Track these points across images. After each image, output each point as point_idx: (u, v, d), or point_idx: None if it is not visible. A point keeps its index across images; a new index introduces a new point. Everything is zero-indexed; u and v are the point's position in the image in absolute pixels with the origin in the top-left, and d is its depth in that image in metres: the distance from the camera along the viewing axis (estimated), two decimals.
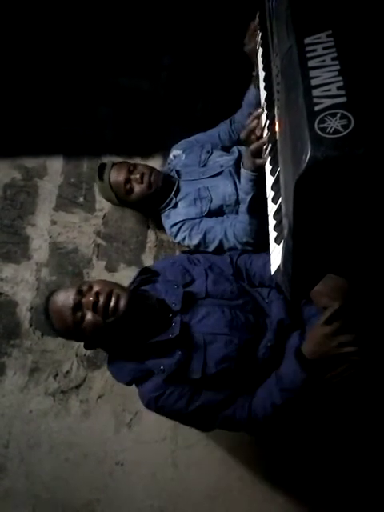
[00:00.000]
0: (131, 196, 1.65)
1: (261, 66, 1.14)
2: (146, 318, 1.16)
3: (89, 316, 1.10)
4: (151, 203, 1.69)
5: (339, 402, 1.43)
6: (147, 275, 1.33)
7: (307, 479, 1.66)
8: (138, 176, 1.63)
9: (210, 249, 1.55)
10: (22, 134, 2.08)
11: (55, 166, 2.06)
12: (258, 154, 1.09)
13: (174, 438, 1.75)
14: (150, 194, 1.64)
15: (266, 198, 0.94)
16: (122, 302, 1.10)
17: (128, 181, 1.63)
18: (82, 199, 2.02)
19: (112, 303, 1.09)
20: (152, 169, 1.68)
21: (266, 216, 1.50)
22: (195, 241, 1.56)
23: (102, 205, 2.00)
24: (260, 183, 1.22)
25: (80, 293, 1.12)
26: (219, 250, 1.52)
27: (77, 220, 1.99)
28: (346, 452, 1.63)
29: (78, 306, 1.11)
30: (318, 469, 1.65)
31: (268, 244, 0.96)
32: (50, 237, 1.97)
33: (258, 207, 1.33)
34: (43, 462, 1.74)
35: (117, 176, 1.64)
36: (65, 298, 1.13)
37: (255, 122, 1.08)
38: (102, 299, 1.10)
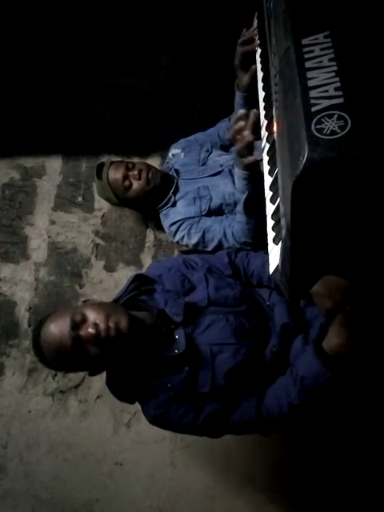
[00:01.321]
0: (129, 193, 1.65)
1: (259, 66, 1.14)
2: (148, 333, 1.08)
3: (92, 350, 1.01)
4: (149, 201, 1.68)
5: (339, 401, 1.43)
6: (141, 283, 1.23)
7: (306, 479, 1.66)
8: (136, 172, 1.63)
9: (209, 248, 1.55)
10: (21, 133, 2.08)
11: (54, 165, 2.06)
12: (244, 153, 1.11)
13: (173, 439, 1.75)
14: (148, 191, 1.64)
15: (264, 199, 0.94)
16: (123, 325, 1.01)
17: (126, 177, 1.64)
18: (80, 199, 2.02)
19: (112, 332, 1.00)
20: (150, 166, 1.69)
21: (265, 216, 1.49)
22: (194, 240, 1.56)
23: (101, 204, 2.00)
24: (256, 183, 1.23)
25: (75, 326, 1.01)
26: (218, 249, 1.52)
27: (75, 220, 1.99)
28: (346, 452, 1.63)
29: (78, 343, 1.01)
30: (316, 469, 1.65)
31: (265, 243, 0.96)
32: (49, 237, 1.97)
33: (254, 207, 1.33)
34: (42, 462, 1.75)
35: (115, 173, 1.65)
36: (60, 333, 1.01)
37: (239, 123, 1.08)
38: (102, 331, 1.00)
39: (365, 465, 1.61)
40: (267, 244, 0.90)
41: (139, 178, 1.63)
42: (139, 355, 1.08)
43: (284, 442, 1.67)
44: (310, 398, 1.05)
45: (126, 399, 1.15)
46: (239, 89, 1.42)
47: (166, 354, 1.07)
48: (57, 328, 1.02)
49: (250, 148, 1.10)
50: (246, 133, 1.08)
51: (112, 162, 1.70)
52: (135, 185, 1.64)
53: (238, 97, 1.46)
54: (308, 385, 1.03)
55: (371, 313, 0.99)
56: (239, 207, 1.39)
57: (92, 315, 1.02)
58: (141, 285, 1.22)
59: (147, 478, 1.73)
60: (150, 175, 1.63)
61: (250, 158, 1.12)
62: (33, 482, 1.73)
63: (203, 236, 1.55)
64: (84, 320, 1.02)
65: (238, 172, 1.27)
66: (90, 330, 0.99)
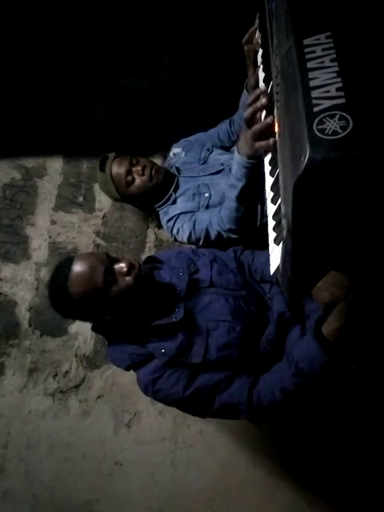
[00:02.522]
0: (131, 188, 1.64)
1: (260, 66, 1.14)
2: (151, 298, 1.17)
3: (122, 282, 1.12)
4: (150, 198, 1.68)
5: (339, 399, 1.44)
6: (153, 264, 1.34)
7: (307, 479, 1.66)
8: (139, 168, 1.63)
9: (201, 239, 1.53)
10: (22, 133, 2.08)
11: (55, 165, 2.06)
12: (261, 135, 0.93)
13: (173, 439, 1.75)
14: (150, 187, 1.63)
15: (264, 195, 0.93)
16: (145, 271, 1.17)
17: (130, 172, 1.63)
18: (81, 199, 2.02)
19: (142, 272, 1.14)
20: (154, 163, 1.69)
21: (258, 210, 1.48)
22: (187, 233, 1.55)
23: (102, 204, 2.00)
24: (256, 173, 1.15)
25: (111, 261, 1.14)
26: (207, 239, 1.51)
27: (76, 220, 1.99)
28: (346, 452, 1.63)
29: (108, 271, 1.11)
30: (317, 468, 1.65)
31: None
32: (50, 237, 1.97)
33: (248, 197, 1.30)
34: (42, 462, 1.75)
35: (118, 167, 1.64)
36: (94, 262, 1.11)
37: (261, 101, 0.93)
38: (135, 266, 1.13)
39: (366, 464, 1.61)
40: (267, 242, 0.90)
41: (143, 174, 1.62)
42: (139, 315, 1.16)
43: (285, 442, 1.67)
44: (303, 383, 1.07)
45: (122, 365, 1.19)
46: (247, 90, 1.42)
47: (165, 321, 1.15)
48: (91, 258, 1.12)
49: (265, 132, 0.92)
50: (265, 114, 0.93)
51: (116, 156, 1.68)
52: (138, 180, 1.63)
53: (245, 97, 1.46)
54: (303, 368, 1.05)
55: (369, 305, 1.00)
56: (231, 194, 1.32)
57: (125, 256, 1.19)
58: (151, 264, 1.33)
59: (147, 477, 1.73)
60: (153, 172, 1.63)
61: (263, 143, 0.93)
62: (33, 482, 1.73)
63: (194, 228, 1.54)
64: (120, 259, 1.16)
65: (241, 159, 1.15)
66: (123, 264, 1.13)
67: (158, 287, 1.20)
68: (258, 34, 1.23)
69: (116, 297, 1.12)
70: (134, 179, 1.63)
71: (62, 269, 1.13)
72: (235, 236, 1.45)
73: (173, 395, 1.13)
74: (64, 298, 1.11)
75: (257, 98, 0.94)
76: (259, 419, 1.17)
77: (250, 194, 1.29)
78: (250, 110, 0.95)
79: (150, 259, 1.37)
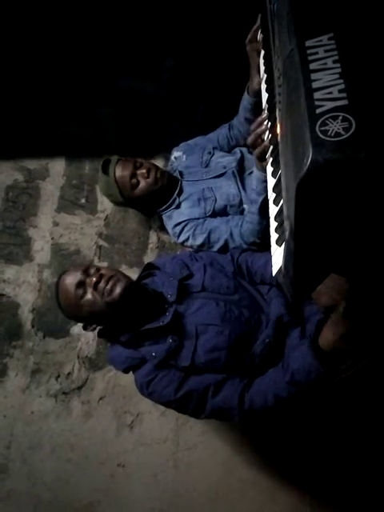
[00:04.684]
0: (136, 191, 1.62)
1: (262, 68, 1.14)
2: (141, 306, 1.22)
3: (89, 295, 1.19)
4: (154, 202, 1.67)
5: (340, 401, 1.43)
6: (149, 270, 1.40)
7: (308, 481, 1.66)
8: (144, 171, 1.61)
9: (215, 249, 1.54)
10: (24, 135, 2.08)
11: (57, 167, 2.06)
12: (262, 156, 1.10)
13: (176, 440, 1.75)
14: (155, 191, 1.62)
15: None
16: (119, 287, 1.18)
17: (134, 175, 1.61)
18: (83, 201, 2.03)
19: (109, 286, 1.18)
20: (158, 166, 1.67)
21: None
22: (199, 240, 1.55)
23: (104, 206, 2.01)
24: None
25: (86, 273, 1.21)
26: (224, 249, 1.51)
27: (79, 221, 2.00)
28: (348, 453, 1.63)
29: (80, 284, 1.20)
30: (319, 470, 1.65)
31: (269, 243, 0.96)
32: (52, 238, 1.97)
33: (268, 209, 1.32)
34: (45, 463, 1.75)
35: (123, 170, 1.62)
36: (72, 276, 1.21)
37: (262, 127, 1.07)
38: (103, 280, 1.19)
39: (368, 466, 1.61)
40: (270, 244, 0.90)
41: (148, 177, 1.60)
42: (129, 322, 1.22)
43: (287, 444, 1.67)
44: (297, 391, 1.07)
45: (120, 367, 1.24)
46: (249, 93, 1.42)
47: (153, 325, 1.20)
48: (74, 272, 1.23)
49: (266, 153, 1.08)
50: (266, 137, 1.07)
51: (119, 159, 1.67)
52: (143, 183, 1.61)
53: (246, 101, 1.46)
54: (299, 379, 1.07)
55: (366, 311, 1.00)
56: (253, 208, 1.38)
57: (103, 270, 1.24)
58: (148, 271, 1.40)
59: (150, 479, 1.73)
60: (158, 175, 1.61)
61: (267, 161, 1.09)
62: (35, 483, 1.73)
63: (209, 237, 1.54)
64: (96, 272, 1.22)
65: (259, 174, 1.26)
66: (94, 278, 1.19)
67: (147, 296, 1.25)
68: (260, 35, 1.22)
69: (88, 309, 1.20)
70: (138, 182, 1.61)
71: (56, 283, 1.28)
72: (256, 248, 1.45)
73: (165, 397, 1.18)
74: (59, 307, 1.27)
75: (259, 125, 1.07)
76: (251, 421, 1.19)
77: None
78: (252, 137, 1.10)
79: (148, 266, 1.43)
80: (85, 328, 1.28)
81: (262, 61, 1.14)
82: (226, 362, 1.16)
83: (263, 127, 1.06)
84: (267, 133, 1.04)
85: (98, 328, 1.29)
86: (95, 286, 1.18)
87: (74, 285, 1.19)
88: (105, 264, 1.94)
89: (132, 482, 1.73)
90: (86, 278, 1.20)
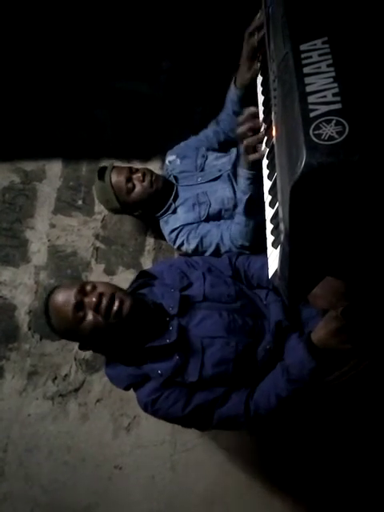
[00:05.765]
0: (132, 195, 1.63)
1: (259, 70, 1.14)
2: (144, 322, 1.15)
3: (90, 316, 1.09)
4: (150, 206, 1.68)
5: (338, 405, 1.43)
6: (145, 279, 1.33)
7: (305, 484, 1.66)
8: (139, 175, 1.62)
9: (208, 253, 1.55)
10: (21, 137, 2.08)
11: (54, 169, 2.06)
12: (251, 149, 1.06)
13: (173, 442, 1.75)
14: (151, 194, 1.62)
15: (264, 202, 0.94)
16: (126, 306, 1.10)
17: (130, 179, 1.63)
18: (80, 202, 2.03)
19: (115, 306, 1.09)
20: (152, 171, 1.68)
21: (264, 220, 1.49)
22: (192, 245, 1.56)
23: (101, 208, 2.00)
24: (259, 184, 1.20)
25: (83, 292, 1.12)
26: (216, 254, 1.52)
27: (75, 223, 2.00)
28: (345, 456, 1.63)
29: (80, 305, 1.10)
30: (316, 473, 1.65)
31: (265, 247, 0.96)
32: (49, 240, 1.97)
33: (255, 209, 1.32)
34: (42, 466, 1.74)
35: (118, 176, 1.63)
36: (67, 296, 1.11)
37: (248, 123, 1.04)
38: (104, 301, 1.09)
39: (365, 467, 1.61)
40: (266, 248, 0.90)
41: (143, 181, 1.62)
42: (133, 340, 1.15)
43: (283, 446, 1.67)
44: (296, 389, 1.07)
45: (121, 385, 1.19)
46: (236, 85, 1.39)
47: (158, 343, 1.14)
48: (67, 291, 1.13)
49: (255, 146, 1.05)
50: (257, 130, 1.03)
51: (114, 166, 1.68)
52: (138, 187, 1.62)
53: (233, 93, 1.43)
54: (293, 374, 1.06)
55: (363, 313, 1.00)
56: (240, 208, 1.38)
57: (101, 288, 1.13)
58: (144, 280, 1.31)
59: (147, 481, 1.73)
60: (153, 178, 1.63)
61: (255, 155, 1.06)
62: (32, 486, 1.73)
63: (201, 241, 1.54)
64: (93, 290, 1.12)
65: (243, 172, 1.25)
66: (94, 298, 1.09)
67: (149, 310, 1.18)
68: (257, 34, 1.20)
69: (89, 332, 1.11)
70: (134, 186, 1.62)
71: (45, 303, 1.18)
72: (247, 252, 1.45)
73: (172, 414, 1.13)
74: (51, 329, 1.19)
75: (248, 117, 1.03)
76: (255, 427, 1.17)
77: (257, 206, 1.29)
78: (241, 128, 1.05)
79: (142, 274, 1.35)
80: (83, 348, 1.22)
81: (257, 63, 1.14)
82: (234, 374, 1.14)
83: (253, 121, 1.02)
84: (260, 127, 1.01)
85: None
86: (97, 308, 1.09)
87: (72, 306, 1.09)
88: (102, 266, 1.94)
89: (129, 484, 1.73)
90: (83, 298, 1.11)
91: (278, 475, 1.68)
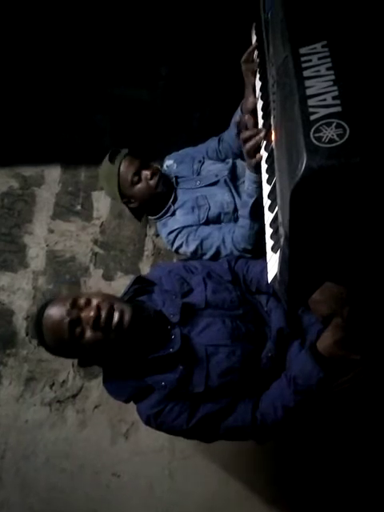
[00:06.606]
0: (134, 189, 1.60)
1: (257, 75, 1.15)
2: (146, 332, 1.10)
3: (88, 333, 1.02)
4: (148, 206, 1.67)
5: (339, 413, 1.42)
6: (142, 285, 1.27)
7: (305, 491, 1.64)
8: (149, 172, 1.59)
9: (207, 256, 1.53)
10: (20, 142, 2.08)
11: (53, 174, 2.06)
12: (252, 153, 1.09)
13: (171, 449, 1.73)
14: (152, 194, 1.61)
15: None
16: (127, 317, 1.03)
17: (138, 173, 1.60)
18: (79, 207, 2.02)
19: (116, 318, 1.02)
20: (163, 174, 1.66)
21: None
22: (192, 247, 1.54)
23: (100, 213, 2.00)
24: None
25: (76, 306, 1.04)
26: (216, 257, 1.51)
27: (74, 228, 1.99)
28: (346, 462, 1.62)
29: (76, 322, 1.02)
30: (316, 481, 1.64)
31: (264, 251, 0.96)
32: (47, 245, 1.97)
33: (260, 212, 1.31)
34: (39, 473, 1.73)
35: (128, 165, 1.59)
36: (61, 313, 1.03)
37: (249, 132, 1.08)
38: (103, 314, 1.02)
39: (365, 475, 1.60)
40: (265, 252, 0.90)
41: (150, 179, 1.60)
42: (134, 351, 1.09)
43: (282, 453, 1.65)
44: (303, 399, 1.05)
45: (122, 398, 1.14)
46: (242, 111, 1.42)
47: (162, 353, 1.09)
48: (60, 307, 1.04)
49: (257, 148, 1.08)
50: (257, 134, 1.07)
51: (128, 154, 1.63)
52: (143, 183, 1.60)
53: (239, 116, 1.46)
54: (301, 385, 1.04)
55: (365, 318, 0.99)
56: (244, 211, 1.37)
57: (96, 300, 1.04)
58: (141, 286, 1.25)
59: (145, 489, 1.71)
60: (161, 180, 1.61)
61: (258, 157, 1.08)
62: (29, 494, 1.71)
63: (201, 243, 1.53)
64: (88, 303, 1.04)
65: (249, 175, 1.26)
66: (91, 313, 1.01)
67: (149, 320, 1.11)
68: (255, 55, 1.22)
69: (89, 347, 1.05)
70: (139, 180, 1.60)
71: (37, 320, 1.09)
72: (249, 255, 1.44)
73: (176, 427, 1.09)
74: (45, 347, 1.10)
75: (255, 133, 1.07)
76: (264, 438, 1.14)
77: (262, 211, 1.28)
78: (245, 135, 1.09)
79: (139, 280, 1.27)
80: (83, 365, 1.16)
81: (258, 83, 1.15)
82: (239, 383, 1.10)
83: (257, 138, 1.05)
84: (260, 131, 1.05)
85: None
86: (95, 323, 1.01)
87: (67, 323, 1.01)
88: (100, 271, 1.94)
89: (128, 491, 1.71)
90: (79, 314, 1.03)
91: (278, 483, 1.66)
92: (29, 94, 2.14)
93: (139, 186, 1.60)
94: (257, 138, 1.05)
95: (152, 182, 1.59)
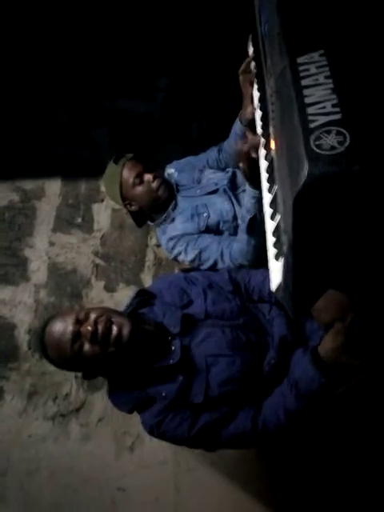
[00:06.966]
0: (135, 190, 1.61)
1: (255, 86, 1.16)
2: (146, 344, 1.12)
3: (86, 346, 1.05)
4: (149, 210, 1.67)
5: (341, 420, 1.41)
6: (144, 297, 1.28)
7: (311, 503, 1.62)
8: (151, 176, 1.60)
9: (205, 267, 1.54)
10: (20, 156, 2.10)
11: (53, 187, 2.07)
12: (248, 174, 1.15)
13: (176, 461, 1.71)
14: (153, 198, 1.61)
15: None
16: (125, 331, 1.05)
17: (140, 175, 1.61)
18: (79, 220, 2.03)
19: (114, 332, 1.04)
20: (165, 180, 1.67)
21: (264, 235, 1.49)
22: (190, 257, 1.55)
23: (100, 225, 2.01)
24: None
25: (78, 322, 1.07)
26: (213, 268, 1.51)
27: (75, 241, 2.00)
28: (350, 469, 1.60)
29: (76, 336, 1.05)
30: (321, 487, 1.61)
31: (265, 261, 0.97)
32: (49, 258, 1.97)
33: (258, 228, 1.32)
34: (42, 489, 1.70)
35: (132, 167, 1.60)
36: (62, 328, 1.06)
37: (245, 147, 1.11)
38: (100, 328, 1.04)
39: (369, 481, 1.58)
40: (266, 262, 0.90)
41: (153, 181, 1.61)
42: (135, 363, 1.12)
43: (287, 463, 1.63)
44: (305, 404, 1.05)
45: (125, 408, 1.16)
46: (241, 121, 1.44)
47: (162, 364, 1.11)
48: (62, 323, 1.07)
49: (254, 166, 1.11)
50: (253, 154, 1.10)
51: (133, 158, 1.65)
52: (145, 186, 1.60)
53: (237, 128, 1.48)
54: (303, 389, 1.04)
55: (367, 325, 0.99)
56: (242, 226, 1.38)
57: (94, 315, 1.07)
58: (143, 299, 1.27)
59: (151, 503, 1.68)
60: (163, 185, 1.62)
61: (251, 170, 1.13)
62: (33, 511, 1.68)
63: (200, 254, 1.54)
64: (86, 318, 1.07)
65: (249, 190, 1.27)
66: (89, 327, 1.04)
67: (149, 333, 1.14)
68: (253, 65, 1.24)
69: (90, 361, 1.07)
70: (141, 183, 1.60)
71: (40, 335, 1.13)
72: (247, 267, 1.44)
73: (178, 436, 1.11)
74: (50, 362, 1.14)
75: (252, 148, 1.09)
76: (264, 443, 1.15)
77: (260, 225, 1.29)
78: (240, 155, 1.12)
79: (141, 292, 1.29)
80: (87, 377, 1.18)
81: (256, 92, 1.16)
82: (240, 392, 1.11)
83: (254, 156, 1.09)
84: (256, 150, 1.06)
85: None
86: (93, 337, 1.04)
87: (70, 339, 1.05)
88: (102, 283, 1.94)
89: (133, 506, 1.69)
90: (79, 328, 1.06)
91: (284, 494, 1.64)
92: (29, 108, 2.16)
93: (140, 188, 1.60)
94: (248, 143, 1.09)
95: (153, 185, 1.60)
